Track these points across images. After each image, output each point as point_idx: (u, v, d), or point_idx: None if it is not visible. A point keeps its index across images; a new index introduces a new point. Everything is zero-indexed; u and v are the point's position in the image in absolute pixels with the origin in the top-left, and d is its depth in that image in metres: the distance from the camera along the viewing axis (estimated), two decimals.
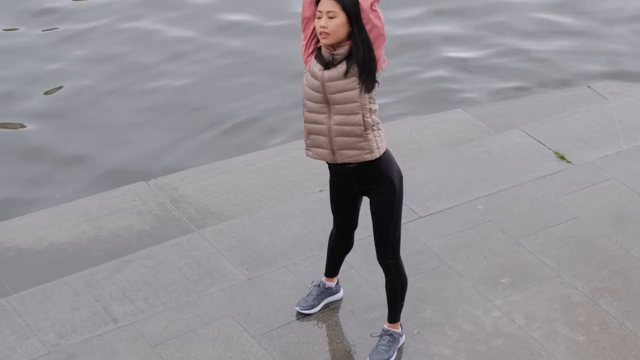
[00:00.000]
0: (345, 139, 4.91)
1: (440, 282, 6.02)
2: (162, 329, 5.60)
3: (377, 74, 4.83)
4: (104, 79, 9.15)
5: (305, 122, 4.99)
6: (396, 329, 5.46)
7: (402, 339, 5.52)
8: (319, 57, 4.86)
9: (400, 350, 5.50)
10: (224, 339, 5.55)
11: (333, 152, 4.97)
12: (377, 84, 4.86)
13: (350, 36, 4.76)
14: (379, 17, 4.70)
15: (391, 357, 5.41)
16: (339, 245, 5.55)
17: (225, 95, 8.96)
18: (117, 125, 8.52)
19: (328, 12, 4.69)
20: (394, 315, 5.45)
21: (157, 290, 5.88)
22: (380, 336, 5.45)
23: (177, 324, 5.63)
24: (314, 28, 4.82)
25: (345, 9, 4.69)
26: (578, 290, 6.00)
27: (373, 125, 4.90)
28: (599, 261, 6.26)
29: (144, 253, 6.20)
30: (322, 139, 4.96)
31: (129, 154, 8.13)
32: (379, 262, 5.30)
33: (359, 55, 4.75)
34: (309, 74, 4.91)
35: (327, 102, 4.86)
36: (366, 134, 4.89)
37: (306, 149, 5.08)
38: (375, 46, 4.75)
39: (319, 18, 4.73)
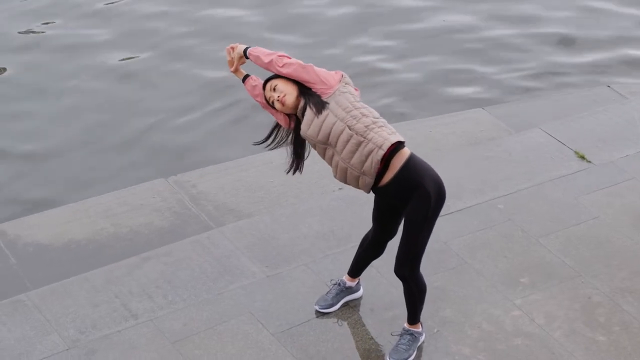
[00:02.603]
0: (355, 156, 4.99)
1: (460, 281, 6.00)
2: (181, 325, 5.61)
3: (339, 87, 5.03)
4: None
5: (335, 175, 5.16)
6: (416, 328, 5.45)
7: (422, 338, 5.51)
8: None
9: (420, 348, 5.48)
10: (244, 336, 5.55)
11: (364, 173, 5.02)
12: (346, 93, 5.03)
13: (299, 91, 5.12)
14: (289, 65, 5.06)
15: (411, 356, 5.40)
16: (371, 250, 5.58)
17: None
18: None
19: (270, 87, 5.13)
20: (413, 318, 5.44)
21: (176, 287, 5.89)
22: (401, 335, 5.44)
23: (196, 321, 5.64)
24: (291, 119, 5.18)
25: (277, 76, 5.12)
26: (598, 290, 5.97)
27: (368, 126, 4.98)
28: (620, 261, 6.22)
29: (163, 250, 6.21)
30: (351, 174, 5.07)
31: None
32: (395, 273, 5.28)
33: (303, 93, 5.08)
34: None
35: (323, 144, 5.06)
36: (365, 136, 4.96)
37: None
38: (308, 77, 5.05)
39: (272, 100, 5.12)
